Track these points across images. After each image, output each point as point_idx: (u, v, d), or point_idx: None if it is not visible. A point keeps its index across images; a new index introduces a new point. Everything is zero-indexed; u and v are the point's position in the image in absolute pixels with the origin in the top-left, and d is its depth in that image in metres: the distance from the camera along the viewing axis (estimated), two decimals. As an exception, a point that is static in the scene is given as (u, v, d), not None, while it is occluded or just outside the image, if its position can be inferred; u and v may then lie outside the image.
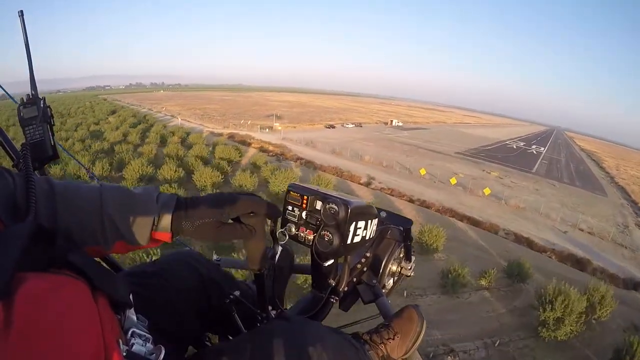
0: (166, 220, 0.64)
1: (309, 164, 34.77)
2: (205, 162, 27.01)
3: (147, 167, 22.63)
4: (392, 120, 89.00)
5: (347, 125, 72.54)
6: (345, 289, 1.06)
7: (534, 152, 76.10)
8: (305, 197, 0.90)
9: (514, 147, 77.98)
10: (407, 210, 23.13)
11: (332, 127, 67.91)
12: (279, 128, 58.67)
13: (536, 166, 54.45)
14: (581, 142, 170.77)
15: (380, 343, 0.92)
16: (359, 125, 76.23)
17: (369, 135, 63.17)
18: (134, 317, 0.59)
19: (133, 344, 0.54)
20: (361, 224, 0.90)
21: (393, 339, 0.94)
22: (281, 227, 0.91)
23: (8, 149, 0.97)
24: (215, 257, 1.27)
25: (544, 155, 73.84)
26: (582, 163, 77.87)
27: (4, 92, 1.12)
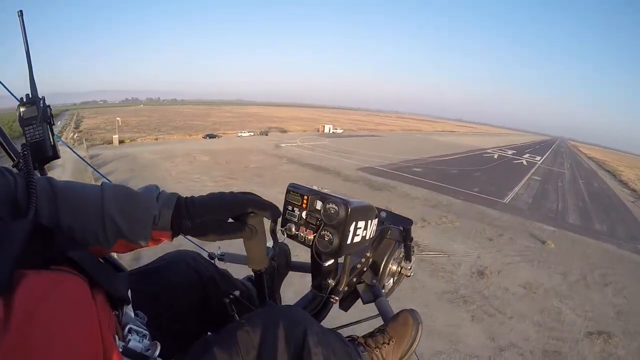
0: (166, 218, 0.64)
1: None
2: None
3: None
4: (324, 126, 69.19)
5: (241, 134, 53.67)
6: (345, 289, 1.06)
7: (524, 163, 50.73)
8: (306, 197, 0.91)
9: (494, 157, 52.69)
10: None
11: (213, 136, 50.26)
12: (126, 141, 41.76)
13: (517, 188, 28.94)
14: (586, 150, 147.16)
15: (375, 347, 0.92)
16: (265, 133, 57.10)
17: (239, 145, 40.29)
18: (132, 314, 0.60)
19: (129, 339, 0.54)
20: (361, 223, 0.90)
21: (388, 344, 0.93)
22: (281, 227, 0.93)
23: (8, 149, 0.98)
24: (219, 251, 1.24)
25: (538, 167, 48.29)
26: (594, 176, 51.93)
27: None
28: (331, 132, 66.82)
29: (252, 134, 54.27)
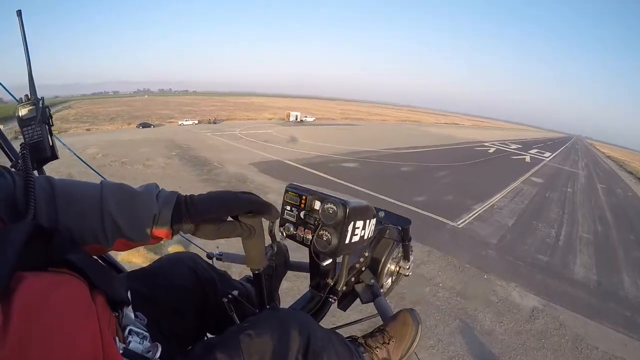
0: (166, 217, 0.63)
1: None
2: None
3: None
4: (289, 114, 62.87)
5: (182, 123, 51.32)
6: (344, 288, 1.07)
7: (527, 159, 40.05)
8: (304, 197, 0.91)
9: (489, 151, 42.16)
10: None
11: (147, 125, 48.39)
12: (54, 133, 36.95)
13: (497, 197, 19.07)
14: (604, 149, 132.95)
15: (376, 347, 0.92)
16: (214, 121, 54.04)
17: (157, 135, 36.10)
18: (132, 315, 0.60)
19: (130, 341, 0.55)
20: (359, 223, 0.90)
21: (388, 344, 0.93)
22: (280, 227, 0.93)
23: (6, 149, 0.98)
24: (217, 250, 1.25)
25: (544, 165, 37.53)
26: (614, 179, 40.86)
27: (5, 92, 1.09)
28: (298, 120, 60.78)
29: (195, 122, 52.35)
